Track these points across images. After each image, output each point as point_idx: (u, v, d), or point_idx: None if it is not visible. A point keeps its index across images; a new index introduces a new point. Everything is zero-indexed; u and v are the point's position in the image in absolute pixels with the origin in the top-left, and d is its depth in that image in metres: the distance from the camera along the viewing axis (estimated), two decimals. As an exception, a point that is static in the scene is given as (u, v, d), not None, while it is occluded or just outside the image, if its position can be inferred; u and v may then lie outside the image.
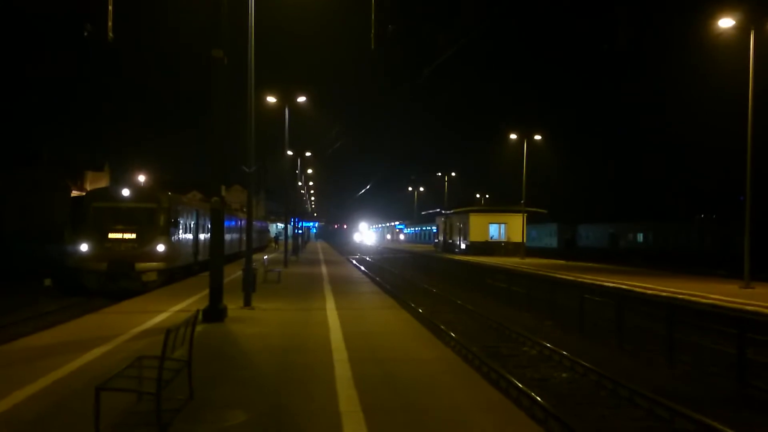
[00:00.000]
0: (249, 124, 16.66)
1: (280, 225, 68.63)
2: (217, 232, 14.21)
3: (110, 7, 14.59)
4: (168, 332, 6.66)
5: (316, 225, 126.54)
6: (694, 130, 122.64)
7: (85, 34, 14.44)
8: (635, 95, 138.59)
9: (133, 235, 23.87)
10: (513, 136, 49.87)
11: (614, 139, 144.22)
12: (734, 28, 23.49)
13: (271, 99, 33.78)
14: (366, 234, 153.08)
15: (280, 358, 10.51)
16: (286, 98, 34.91)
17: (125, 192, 24.88)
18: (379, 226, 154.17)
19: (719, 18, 23.47)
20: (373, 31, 15.33)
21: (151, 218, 24.31)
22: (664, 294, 20.73)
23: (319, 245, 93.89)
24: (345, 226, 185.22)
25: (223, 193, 14.13)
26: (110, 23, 14.57)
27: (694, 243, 61.49)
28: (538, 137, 49.53)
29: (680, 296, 20.04)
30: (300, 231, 77.51)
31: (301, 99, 34.56)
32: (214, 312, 13.74)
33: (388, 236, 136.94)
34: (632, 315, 16.69)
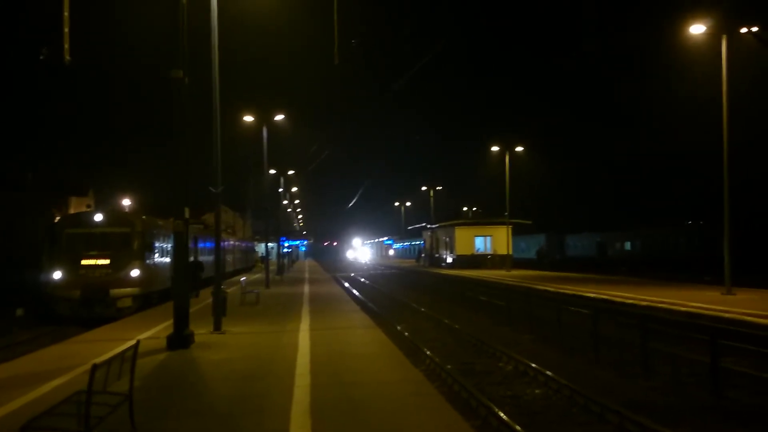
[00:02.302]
0: (215, 145, 16.40)
1: (270, 244, 68.21)
2: (180, 255, 13.89)
3: (66, 29, 14.34)
4: (95, 367, 6.31)
5: (305, 243, 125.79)
6: (678, 137, 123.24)
7: (41, 57, 14.19)
8: (621, 103, 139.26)
9: (107, 261, 23.47)
10: (496, 148, 49.88)
11: (601, 149, 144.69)
12: (706, 34, 23.49)
13: (248, 118, 33.59)
14: (360, 250, 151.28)
15: (240, 385, 10.17)
16: (265, 118, 34.76)
17: (98, 217, 24.52)
18: (370, 241, 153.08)
19: (691, 24, 23.47)
20: (336, 46, 15.17)
21: (125, 243, 23.92)
22: (644, 303, 20.54)
23: (307, 264, 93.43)
24: (335, 243, 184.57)
25: (187, 215, 13.79)
26: (66, 45, 14.31)
27: (682, 250, 61.43)
28: (519, 148, 49.52)
29: (661, 305, 19.86)
30: (288, 250, 77.09)
31: (279, 117, 34.40)
32: (179, 338, 13.39)
33: (391, 251, 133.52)
34: (611, 326, 16.42)
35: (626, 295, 23.42)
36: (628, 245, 71.74)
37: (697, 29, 23.30)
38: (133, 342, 8.16)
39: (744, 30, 22.99)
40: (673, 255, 58.24)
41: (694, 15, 23.56)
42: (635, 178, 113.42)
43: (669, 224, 70.46)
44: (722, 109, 23.22)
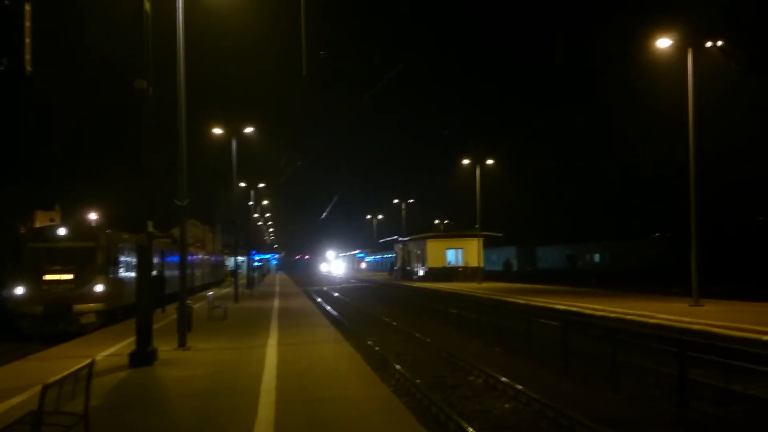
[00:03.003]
0: (181, 156, 16.12)
1: (240, 258, 67.54)
2: (143, 269, 13.57)
3: (27, 40, 14.05)
4: (45, 387, 6.05)
5: (277, 257, 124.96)
6: (647, 149, 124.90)
7: (1, 67, 13.89)
8: (590, 117, 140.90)
9: (71, 276, 22.93)
10: (467, 161, 50.11)
11: (571, 162, 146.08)
12: (673, 47, 23.79)
13: (217, 131, 33.28)
14: (333, 263, 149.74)
15: (202, 403, 9.90)
16: (234, 130, 34.45)
17: (62, 231, 23.99)
18: (343, 254, 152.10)
19: (658, 38, 23.77)
20: (304, 57, 15.05)
21: (90, 257, 23.40)
22: (613, 315, 20.62)
23: (279, 278, 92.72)
24: (306, 257, 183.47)
25: (150, 228, 13.49)
26: (28, 56, 14.02)
27: (651, 261, 62.12)
28: (490, 161, 49.78)
29: (629, 317, 19.94)
30: (259, 264, 76.49)
31: (249, 130, 34.13)
32: (142, 355, 13.06)
33: (363, 265, 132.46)
34: (580, 338, 16.43)
35: (596, 306, 23.51)
36: (597, 257, 72.45)
37: (664, 43, 23.60)
38: (88, 361, 7.88)
39: (709, 44, 23.33)
40: (642, 267, 58.87)
41: (662, 29, 23.86)
42: (605, 191, 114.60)
43: (637, 236, 71.30)
44: (689, 121, 23.51)
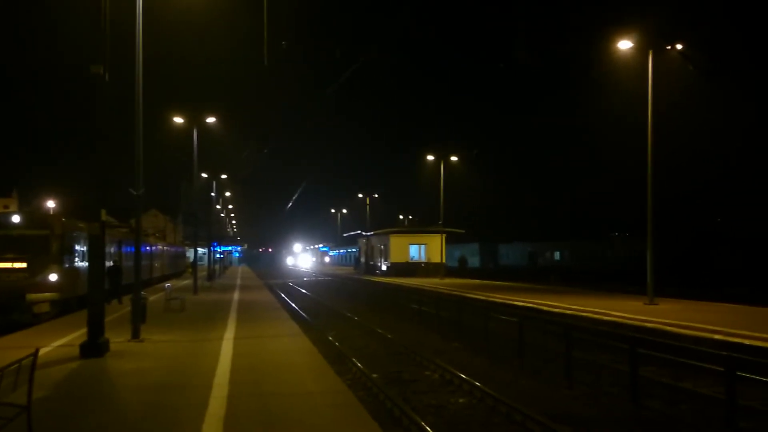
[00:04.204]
0: (137, 144, 15.79)
1: (202, 250, 66.72)
2: (96, 259, 13.27)
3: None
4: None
5: (239, 249, 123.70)
6: (608, 149, 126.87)
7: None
8: (553, 117, 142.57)
9: (24, 264, 22.36)
10: (431, 158, 50.24)
11: (534, 161, 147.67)
12: (633, 49, 24.08)
13: (178, 120, 32.81)
14: (300, 257, 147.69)
15: (152, 397, 9.71)
16: (196, 119, 34.02)
17: (15, 218, 23.35)
18: (310, 248, 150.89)
19: (620, 40, 24.04)
20: (266, 47, 14.86)
21: (44, 246, 22.82)
22: (570, 312, 20.83)
23: (240, 270, 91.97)
24: (270, 250, 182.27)
25: (104, 217, 13.20)
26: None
27: (609, 260, 63.12)
28: (454, 158, 49.97)
29: (585, 314, 20.17)
30: (220, 256, 75.65)
31: (211, 120, 33.73)
32: (93, 346, 12.79)
33: (327, 258, 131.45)
34: (539, 334, 16.56)
35: (554, 303, 23.74)
36: (557, 255, 73.35)
37: (625, 45, 23.88)
38: (32, 350, 7.66)
39: (669, 47, 23.65)
40: (601, 265, 59.79)
41: (623, 30, 24.14)
42: (567, 190, 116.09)
43: (597, 236, 72.41)
44: (648, 123, 23.84)
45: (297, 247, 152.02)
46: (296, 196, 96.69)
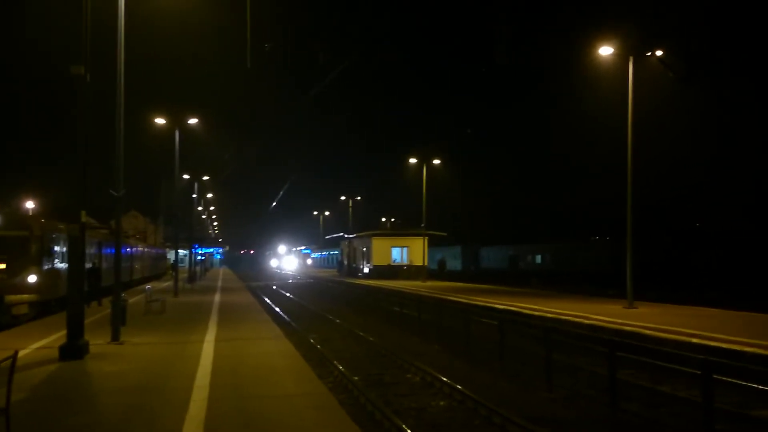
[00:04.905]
0: (118, 145, 15.69)
1: (183, 251, 66.33)
2: (75, 260, 13.18)
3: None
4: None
5: (221, 251, 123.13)
6: (589, 154, 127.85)
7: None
8: (536, 121, 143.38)
9: (2, 266, 22.15)
10: (414, 160, 50.36)
11: (516, 165, 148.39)
12: (614, 55, 24.32)
13: (160, 121, 32.63)
14: (285, 259, 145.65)
15: (131, 399, 9.66)
16: (178, 121, 33.85)
17: (-7, 219, 23.12)
18: (294, 249, 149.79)
19: (600, 46, 24.27)
20: (248, 49, 14.86)
21: (22, 247, 22.62)
22: (550, 315, 20.99)
23: (222, 272, 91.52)
24: (251, 252, 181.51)
25: (84, 218, 13.12)
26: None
27: (590, 264, 63.51)
28: (437, 161, 50.13)
29: (565, 317, 20.33)
30: (201, 258, 75.27)
31: (193, 121, 33.58)
32: (72, 348, 12.70)
33: (309, 261, 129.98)
34: (517, 337, 16.66)
35: (534, 307, 23.90)
36: (538, 258, 73.75)
37: (605, 50, 24.11)
38: (11, 353, 7.61)
39: (649, 53, 23.92)
40: (581, 269, 60.17)
41: (604, 36, 24.38)
42: (549, 194, 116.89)
43: (578, 240, 72.88)
44: (628, 127, 24.09)
45: (281, 248, 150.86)
46: (279, 197, 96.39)
